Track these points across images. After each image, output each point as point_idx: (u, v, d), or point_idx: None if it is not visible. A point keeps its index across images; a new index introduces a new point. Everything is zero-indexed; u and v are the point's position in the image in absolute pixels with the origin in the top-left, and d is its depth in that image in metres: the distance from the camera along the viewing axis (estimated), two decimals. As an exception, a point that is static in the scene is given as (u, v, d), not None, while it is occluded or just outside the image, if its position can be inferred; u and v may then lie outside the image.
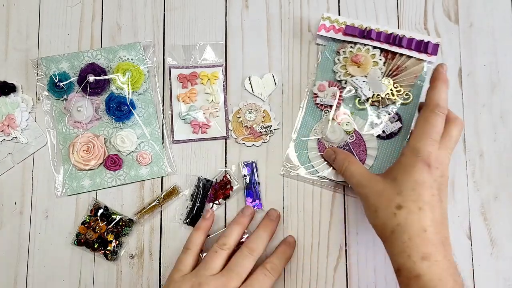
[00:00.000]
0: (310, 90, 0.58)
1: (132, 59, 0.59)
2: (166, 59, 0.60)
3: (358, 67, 0.56)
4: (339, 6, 0.61)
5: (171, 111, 0.59)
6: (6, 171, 0.58)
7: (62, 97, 0.58)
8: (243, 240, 0.53)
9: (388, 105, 0.56)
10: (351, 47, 0.57)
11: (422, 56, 0.56)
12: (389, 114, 0.56)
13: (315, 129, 0.57)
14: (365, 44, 0.57)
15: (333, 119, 0.56)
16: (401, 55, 0.56)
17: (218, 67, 0.59)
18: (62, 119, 0.58)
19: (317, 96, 0.57)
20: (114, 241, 0.56)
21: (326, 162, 0.57)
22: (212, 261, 0.49)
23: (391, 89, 0.56)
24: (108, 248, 0.56)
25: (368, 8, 0.61)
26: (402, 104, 0.56)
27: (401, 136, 0.56)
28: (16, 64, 0.60)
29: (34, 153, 0.59)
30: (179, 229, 0.57)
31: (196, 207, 0.56)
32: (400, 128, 0.56)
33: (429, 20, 0.60)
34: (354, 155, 0.56)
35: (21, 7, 0.61)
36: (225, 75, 0.60)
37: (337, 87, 0.57)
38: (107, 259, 0.56)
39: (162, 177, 0.58)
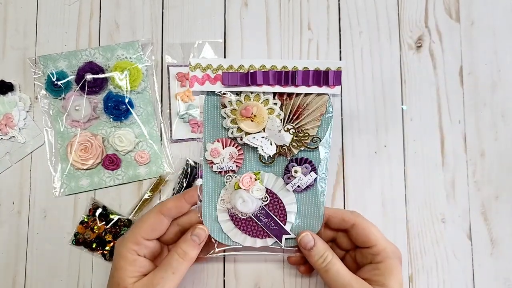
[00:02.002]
0: (203, 157, 0.50)
1: (130, 58, 0.58)
2: (165, 57, 0.59)
3: (252, 120, 0.48)
4: (339, 5, 0.60)
5: (170, 110, 0.58)
6: (4, 170, 0.58)
7: (60, 96, 0.58)
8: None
9: (296, 153, 0.49)
10: (237, 94, 0.49)
11: (324, 89, 0.48)
12: (298, 164, 0.49)
13: (221, 199, 0.50)
14: (252, 92, 0.49)
15: (239, 186, 0.49)
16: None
17: (217, 66, 0.59)
18: (60, 118, 0.58)
19: (213, 163, 0.49)
20: (112, 241, 0.55)
21: (244, 232, 0.50)
22: None
23: (296, 136, 0.49)
24: (107, 248, 0.55)
25: (368, 7, 0.60)
26: (310, 149, 0.49)
27: (318, 186, 0.50)
28: (14, 63, 0.60)
29: (32, 152, 0.58)
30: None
31: (182, 189, 0.56)
32: (315, 179, 0.49)
33: (430, 18, 0.60)
34: (273, 216, 0.49)
35: (19, 6, 0.61)
36: (224, 74, 0.59)
37: (234, 145, 0.49)
38: (105, 259, 0.56)
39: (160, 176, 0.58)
